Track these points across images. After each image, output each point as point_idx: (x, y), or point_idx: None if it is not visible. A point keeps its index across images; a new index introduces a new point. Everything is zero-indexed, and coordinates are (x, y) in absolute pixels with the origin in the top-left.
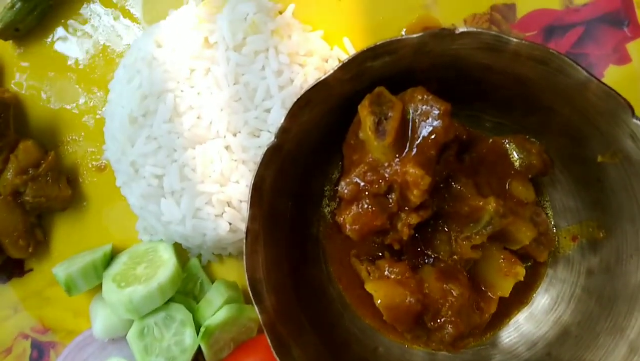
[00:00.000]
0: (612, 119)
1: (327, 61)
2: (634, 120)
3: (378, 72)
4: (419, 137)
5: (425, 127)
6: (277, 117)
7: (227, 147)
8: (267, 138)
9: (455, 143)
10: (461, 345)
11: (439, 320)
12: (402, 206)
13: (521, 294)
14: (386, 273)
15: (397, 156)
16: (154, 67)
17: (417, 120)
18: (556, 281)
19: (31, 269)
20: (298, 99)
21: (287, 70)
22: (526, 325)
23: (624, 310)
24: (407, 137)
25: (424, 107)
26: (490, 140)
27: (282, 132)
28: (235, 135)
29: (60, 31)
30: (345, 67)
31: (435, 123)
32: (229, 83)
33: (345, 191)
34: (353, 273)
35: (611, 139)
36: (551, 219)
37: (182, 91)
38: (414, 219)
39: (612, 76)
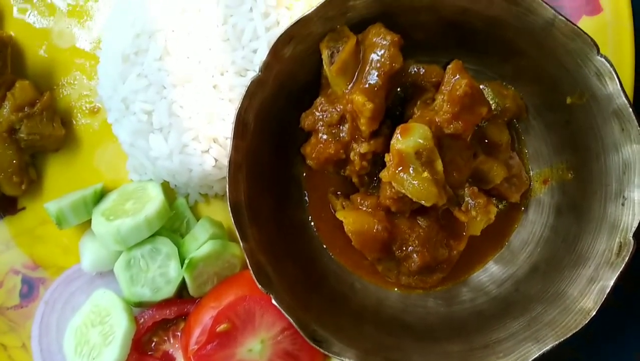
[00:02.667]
0: (579, 57)
1: None
2: (599, 57)
3: (360, 13)
4: (366, 67)
5: (373, 57)
6: (263, 58)
7: (214, 86)
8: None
9: (434, 88)
10: (430, 281)
11: (405, 249)
12: (356, 137)
13: (496, 239)
14: (359, 206)
15: (349, 86)
16: (147, 7)
17: (367, 52)
18: (527, 223)
19: (24, 208)
20: (281, 35)
21: (273, 12)
22: (496, 265)
23: (587, 244)
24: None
25: (376, 39)
26: None
27: (266, 67)
28: (222, 74)
29: None
30: (329, 4)
31: (381, 52)
32: (217, 24)
33: (305, 123)
34: (331, 219)
35: (579, 78)
36: (527, 163)
37: (172, 30)
38: (364, 148)
39: (585, 25)
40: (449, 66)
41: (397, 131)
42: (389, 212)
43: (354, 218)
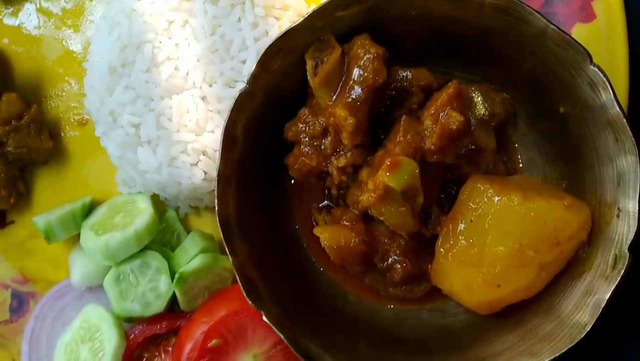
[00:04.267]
0: (572, 67)
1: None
2: (592, 67)
3: (349, 23)
4: (349, 80)
5: (356, 70)
6: (252, 68)
7: (203, 98)
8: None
9: (422, 92)
10: (418, 291)
11: (387, 260)
12: (338, 150)
13: None
14: (340, 219)
15: (333, 98)
16: (134, 19)
17: (352, 64)
18: None
19: (12, 222)
20: (269, 46)
21: (262, 22)
22: None
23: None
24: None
25: (360, 51)
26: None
27: (254, 79)
28: (211, 85)
29: None
30: (317, 15)
31: (365, 66)
32: (205, 35)
33: (288, 134)
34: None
35: (572, 88)
36: (521, 170)
37: (160, 42)
38: (341, 162)
39: (579, 33)
40: (449, 89)
41: (387, 163)
42: (369, 223)
43: (330, 233)
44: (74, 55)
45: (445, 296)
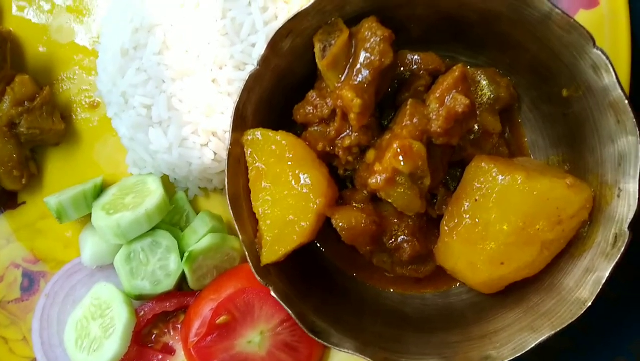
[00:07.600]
0: (575, 50)
1: None
2: (595, 50)
3: (357, 7)
4: (356, 62)
5: (363, 52)
6: (261, 51)
7: (213, 80)
8: None
9: (429, 75)
10: (424, 271)
11: (395, 240)
12: (345, 131)
13: None
14: (349, 200)
15: (341, 79)
16: (146, 1)
17: (359, 46)
18: None
19: (24, 202)
20: (279, 29)
21: (272, 6)
22: None
23: (582, 233)
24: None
25: (367, 34)
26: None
27: (264, 61)
28: (221, 68)
29: None
30: None
31: (371, 48)
32: (216, 18)
33: (297, 116)
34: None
35: (575, 71)
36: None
37: (171, 24)
38: (346, 142)
39: (581, 18)
40: (454, 72)
41: (395, 147)
42: (377, 204)
43: (342, 214)
44: (86, 38)
45: (449, 280)
